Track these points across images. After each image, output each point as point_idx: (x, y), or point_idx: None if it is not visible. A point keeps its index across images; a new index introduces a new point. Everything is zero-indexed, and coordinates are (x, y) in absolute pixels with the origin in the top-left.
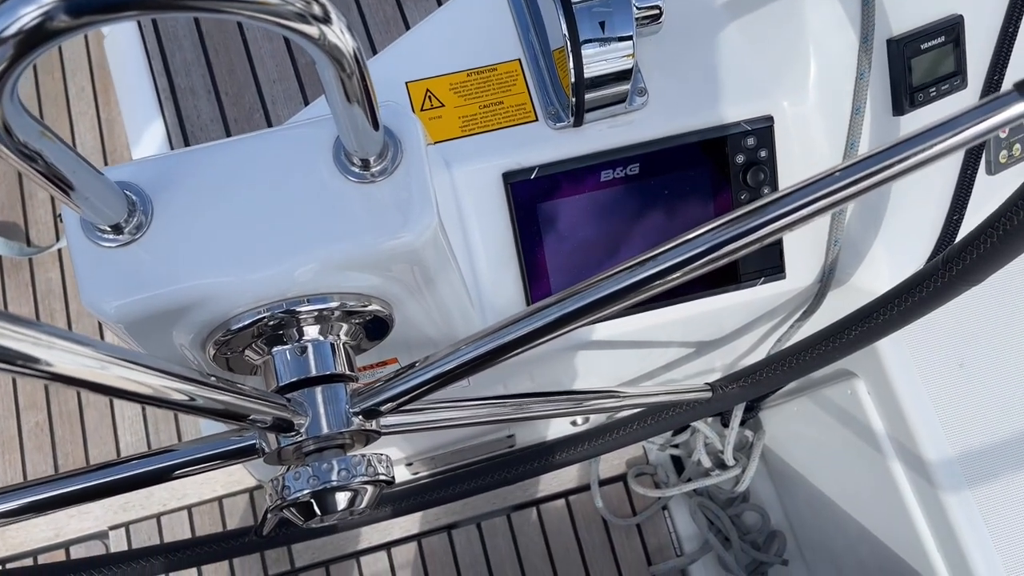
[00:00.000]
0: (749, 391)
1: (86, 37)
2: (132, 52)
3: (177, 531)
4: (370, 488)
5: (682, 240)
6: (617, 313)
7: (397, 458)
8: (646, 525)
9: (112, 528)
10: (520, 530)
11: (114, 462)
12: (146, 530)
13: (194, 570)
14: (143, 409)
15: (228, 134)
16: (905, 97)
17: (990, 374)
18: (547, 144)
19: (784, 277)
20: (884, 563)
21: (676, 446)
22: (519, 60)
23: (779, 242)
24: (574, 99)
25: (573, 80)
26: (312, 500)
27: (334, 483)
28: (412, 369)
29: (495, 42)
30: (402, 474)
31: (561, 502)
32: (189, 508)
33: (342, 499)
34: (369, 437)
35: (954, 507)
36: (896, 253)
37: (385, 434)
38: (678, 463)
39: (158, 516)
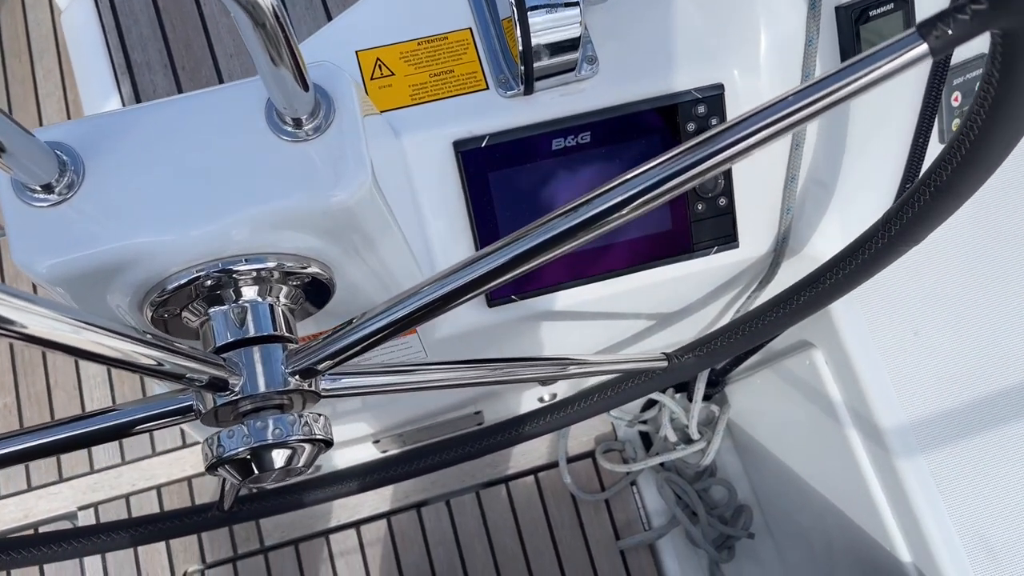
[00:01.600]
0: (705, 360)
1: (53, 20)
2: (88, 27)
3: (146, 511)
4: (307, 447)
5: (634, 174)
6: (568, 251)
7: (364, 434)
8: (614, 500)
9: (81, 508)
10: (489, 507)
11: (51, 424)
12: (115, 510)
13: (164, 550)
14: (111, 389)
15: None
16: None
17: (944, 342)
18: (498, 112)
19: (737, 246)
20: (846, 533)
21: (644, 422)
22: (470, 29)
23: (731, 211)
24: (523, 68)
25: (521, 49)
26: (249, 457)
27: (269, 441)
28: (350, 325)
29: (446, 11)
30: (370, 452)
31: (530, 479)
32: (158, 488)
33: (279, 457)
34: (308, 398)
35: (907, 473)
36: (849, 222)
37: (327, 396)
38: (647, 440)
39: (127, 496)
